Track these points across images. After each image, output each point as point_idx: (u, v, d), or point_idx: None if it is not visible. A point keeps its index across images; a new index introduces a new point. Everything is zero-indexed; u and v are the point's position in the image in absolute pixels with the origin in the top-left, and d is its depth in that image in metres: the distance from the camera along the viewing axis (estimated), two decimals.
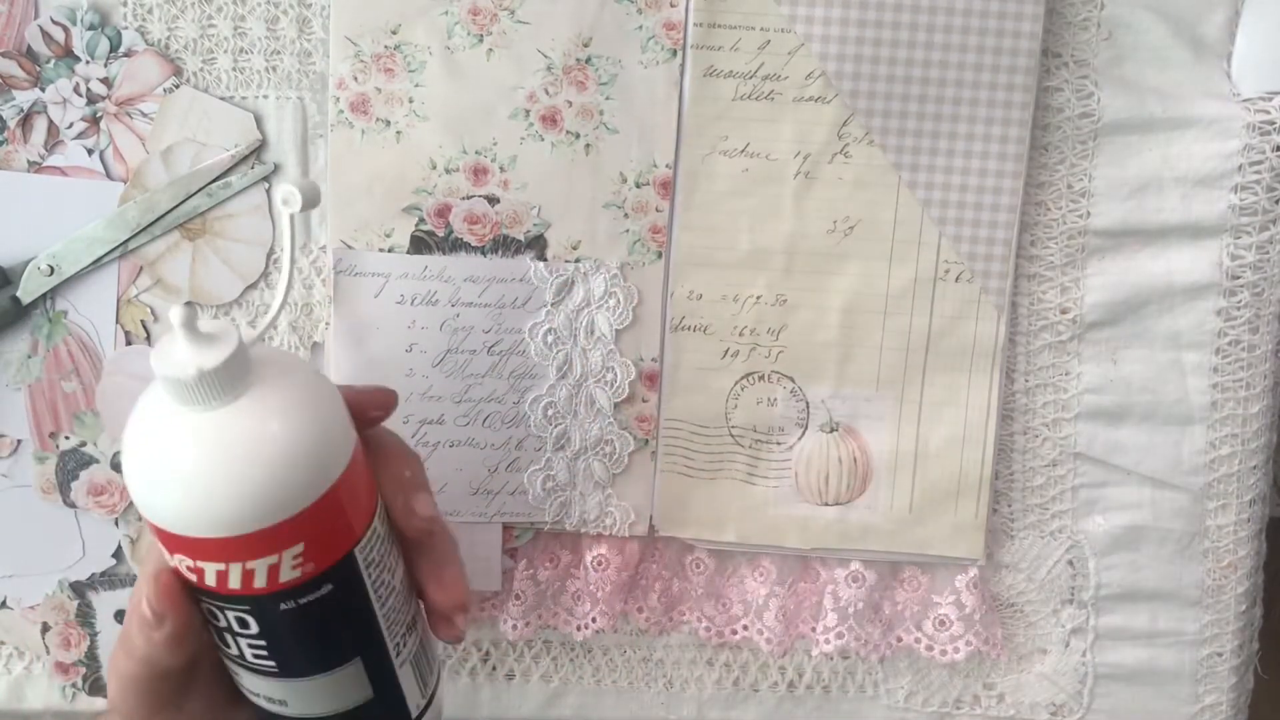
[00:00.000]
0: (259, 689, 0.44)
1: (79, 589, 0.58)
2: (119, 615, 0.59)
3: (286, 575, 0.40)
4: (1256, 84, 0.56)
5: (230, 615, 0.41)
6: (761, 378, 0.58)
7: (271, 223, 0.56)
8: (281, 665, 0.42)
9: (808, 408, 0.59)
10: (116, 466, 0.57)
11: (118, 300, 0.56)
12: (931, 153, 0.56)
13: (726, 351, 0.58)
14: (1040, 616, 0.61)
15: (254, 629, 0.41)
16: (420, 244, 0.56)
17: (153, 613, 0.41)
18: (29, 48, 0.54)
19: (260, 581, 0.40)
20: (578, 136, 0.56)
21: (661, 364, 0.58)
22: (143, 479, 0.40)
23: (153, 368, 0.39)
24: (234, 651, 0.43)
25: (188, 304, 0.39)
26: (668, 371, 0.58)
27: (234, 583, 0.40)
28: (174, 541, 0.40)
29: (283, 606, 0.41)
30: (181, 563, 0.41)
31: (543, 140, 0.56)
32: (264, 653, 0.42)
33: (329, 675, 0.43)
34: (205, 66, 0.55)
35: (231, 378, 0.39)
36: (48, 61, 0.54)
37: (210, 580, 0.40)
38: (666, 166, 0.56)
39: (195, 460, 0.39)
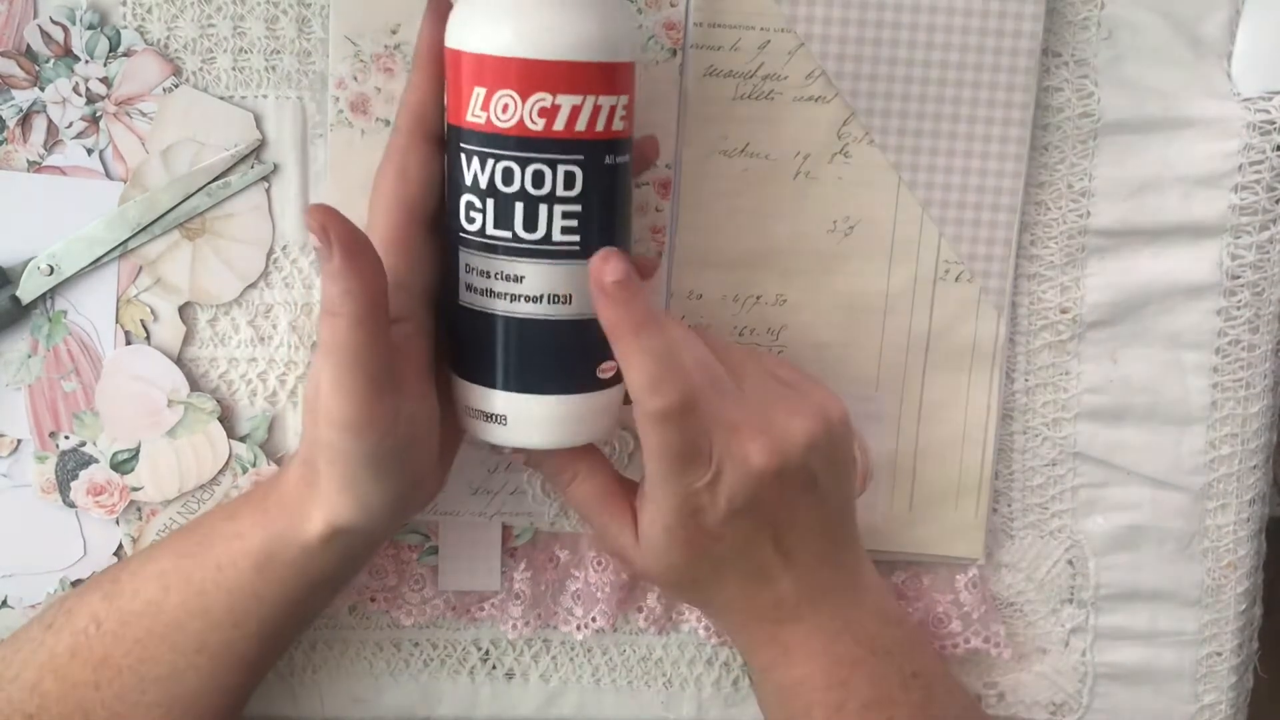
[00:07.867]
0: (547, 286, 0.48)
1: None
2: None
3: (617, 124, 0.47)
4: (1257, 83, 0.56)
5: (560, 172, 0.47)
6: None
7: (271, 222, 0.56)
8: (584, 239, 0.48)
9: None
10: (116, 466, 0.57)
11: (117, 300, 0.56)
12: (931, 153, 0.56)
13: None
14: (1040, 616, 0.61)
15: (578, 187, 0.47)
16: None
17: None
18: (28, 47, 0.54)
19: (601, 124, 0.47)
20: None
21: None
22: (529, 16, 0.46)
23: None
24: (540, 234, 0.47)
25: None
26: None
27: (581, 124, 0.46)
28: (547, 75, 0.46)
29: (606, 160, 0.47)
30: (537, 104, 0.46)
31: None
32: (574, 223, 0.48)
33: None
34: (205, 66, 0.54)
35: None
36: (47, 61, 0.54)
37: (559, 122, 0.46)
38: (666, 166, 0.56)
39: None
